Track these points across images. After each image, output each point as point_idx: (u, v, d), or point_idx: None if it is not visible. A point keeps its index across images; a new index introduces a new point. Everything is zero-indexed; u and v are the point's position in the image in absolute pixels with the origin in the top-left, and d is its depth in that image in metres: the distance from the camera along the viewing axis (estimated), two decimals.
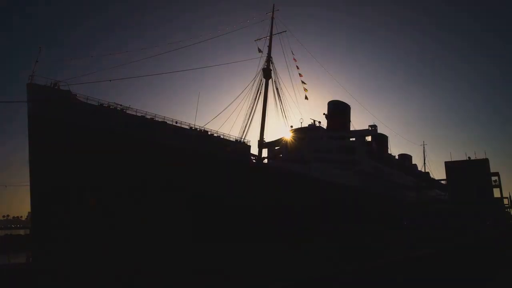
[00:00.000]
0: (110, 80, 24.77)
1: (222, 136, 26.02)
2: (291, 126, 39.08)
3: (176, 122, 23.48)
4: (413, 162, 68.43)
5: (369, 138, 47.34)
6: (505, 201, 68.26)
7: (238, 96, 32.74)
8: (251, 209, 23.69)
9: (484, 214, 61.40)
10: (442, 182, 72.63)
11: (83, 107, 20.26)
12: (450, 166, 71.95)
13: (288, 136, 38.34)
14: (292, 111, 58.19)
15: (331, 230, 28.87)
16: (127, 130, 20.87)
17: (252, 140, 38.61)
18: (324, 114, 45.45)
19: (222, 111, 31.83)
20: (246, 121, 32.47)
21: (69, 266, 16.50)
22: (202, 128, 25.13)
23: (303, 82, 36.21)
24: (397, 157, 59.54)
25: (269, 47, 33.68)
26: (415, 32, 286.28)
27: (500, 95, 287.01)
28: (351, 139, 42.74)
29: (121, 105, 21.57)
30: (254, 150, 31.18)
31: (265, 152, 40.35)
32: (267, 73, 33.29)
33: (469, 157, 71.68)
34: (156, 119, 22.60)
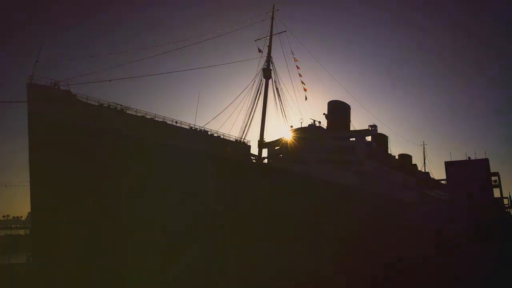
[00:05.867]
0: (110, 80, 24.74)
1: (222, 136, 26.00)
2: (291, 126, 39.04)
3: (176, 122, 23.47)
4: (413, 162, 68.35)
5: (369, 138, 47.28)
6: (505, 201, 68.23)
7: (238, 96, 32.71)
8: (251, 209, 23.67)
9: (484, 214, 61.35)
10: (442, 182, 72.57)
11: (83, 107, 20.24)
12: (450, 166, 71.90)
13: (288, 136, 38.26)
14: (292, 111, 58.10)
15: (331, 230, 28.86)
16: (127, 130, 20.85)
17: (252, 140, 38.56)
18: (324, 114, 45.39)
19: (222, 111, 31.79)
20: (246, 121, 32.44)
21: (69, 266, 16.52)
22: (202, 128, 25.11)
23: (303, 82, 36.19)
24: (397, 157, 59.46)
25: (269, 47, 33.63)
26: (415, 32, 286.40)
27: (500, 95, 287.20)
28: (351, 139, 42.68)
29: (121, 105, 21.55)
30: (254, 150, 31.15)
31: (265, 152, 40.28)
32: (267, 73, 33.24)
33: (469, 157, 71.62)
34: (156, 119, 22.57)
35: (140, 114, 22.03)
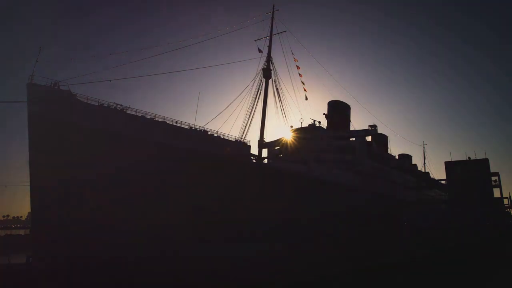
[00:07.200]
0: (110, 80, 24.74)
1: (222, 136, 25.97)
2: (291, 126, 39.03)
3: (176, 122, 23.45)
4: (413, 162, 68.32)
5: (369, 138, 47.26)
6: (505, 201, 68.25)
7: (238, 96, 32.62)
8: (251, 209, 23.65)
9: (484, 214, 61.38)
10: (442, 182, 72.58)
11: (83, 107, 20.22)
12: (450, 166, 71.91)
13: (288, 136, 38.24)
14: (292, 111, 57.99)
15: (331, 230, 28.85)
16: (127, 130, 20.84)
17: (252, 140, 38.57)
18: (324, 114, 45.38)
19: (222, 111, 31.69)
20: (246, 121, 32.37)
21: (69, 266, 16.52)
22: (202, 128, 25.09)
23: (303, 82, 36.16)
24: (397, 157, 59.43)
25: (269, 47, 33.57)
26: (415, 31, 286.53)
27: (500, 94, 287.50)
28: (351, 139, 42.68)
29: (121, 105, 21.53)
30: (254, 150, 31.11)
31: (265, 152, 40.27)
32: (267, 73, 33.19)
33: (469, 157, 71.71)
34: (156, 119, 22.55)
35: (140, 114, 22.01)
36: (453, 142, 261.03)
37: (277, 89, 33.82)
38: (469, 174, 66.47)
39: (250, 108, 32.50)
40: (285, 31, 34.35)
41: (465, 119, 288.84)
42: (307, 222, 27.43)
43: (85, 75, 22.63)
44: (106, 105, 21.00)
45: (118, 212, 19.02)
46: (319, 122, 42.63)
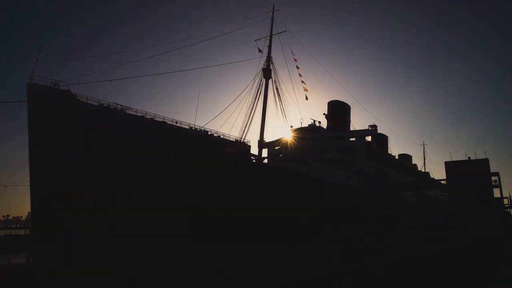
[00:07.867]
0: (110, 80, 24.81)
1: (222, 136, 26.00)
2: (291, 126, 39.05)
3: (176, 122, 23.47)
4: (413, 162, 68.35)
5: (369, 138, 47.29)
6: (505, 201, 68.31)
7: (238, 96, 32.71)
8: (251, 209, 23.66)
9: (484, 214, 61.45)
10: (442, 182, 72.66)
11: (83, 107, 20.22)
12: (450, 166, 72.08)
13: (288, 136, 38.29)
14: (292, 111, 58.12)
15: (331, 230, 28.86)
16: (127, 130, 20.84)
17: (252, 140, 38.61)
18: (324, 114, 45.42)
19: (222, 111, 31.80)
20: (246, 121, 32.43)
21: (69, 266, 16.52)
22: (202, 128, 25.11)
23: (303, 82, 36.20)
24: (397, 157, 59.47)
25: (269, 47, 33.62)
26: (415, 31, 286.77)
27: (500, 94, 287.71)
28: (351, 139, 42.72)
29: (121, 105, 21.53)
30: (254, 150, 31.16)
31: (265, 152, 40.31)
32: (267, 73, 33.23)
33: (469, 157, 71.84)
34: (156, 119, 22.56)
35: (140, 114, 22.02)
36: (453, 142, 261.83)
37: (277, 89, 33.88)
38: (469, 174, 66.55)
39: (250, 108, 32.58)
40: (285, 31, 34.46)
41: (465, 119, 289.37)
42: (307, 222, 27.45)
43: (85, 75, 22.70)
44: (106, 105, 21.00)
45: (117, 212, 19.02)
46: (319, 122, 42.68)
